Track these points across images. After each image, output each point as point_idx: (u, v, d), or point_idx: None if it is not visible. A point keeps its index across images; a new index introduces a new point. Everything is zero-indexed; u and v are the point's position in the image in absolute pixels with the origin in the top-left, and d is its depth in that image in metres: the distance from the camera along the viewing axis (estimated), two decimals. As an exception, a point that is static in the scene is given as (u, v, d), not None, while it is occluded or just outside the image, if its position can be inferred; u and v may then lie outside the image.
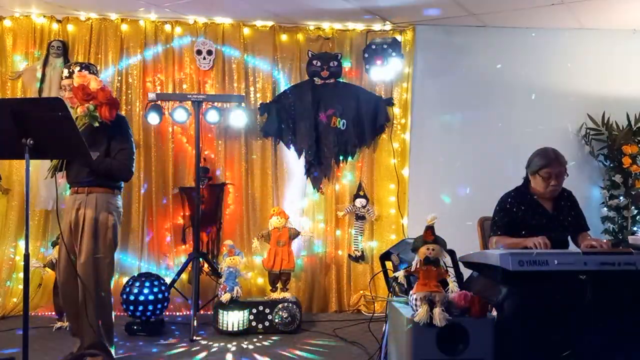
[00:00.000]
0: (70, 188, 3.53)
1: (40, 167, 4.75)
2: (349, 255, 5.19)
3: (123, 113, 4.99)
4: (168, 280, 4.68)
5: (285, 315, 4.44)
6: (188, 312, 4.87)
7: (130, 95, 5.05)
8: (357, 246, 5.16)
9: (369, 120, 5.18)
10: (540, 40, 5.17)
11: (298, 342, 4.26)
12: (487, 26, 5.13)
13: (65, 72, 3.54)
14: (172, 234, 5.08)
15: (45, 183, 4.80)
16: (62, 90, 3.56)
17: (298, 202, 5.22)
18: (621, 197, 5.02)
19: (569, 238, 3.46)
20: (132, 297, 4.31)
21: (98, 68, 4.93)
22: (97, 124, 3.30)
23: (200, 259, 4.69)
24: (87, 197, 3.40)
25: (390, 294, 3.27)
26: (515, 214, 3.36)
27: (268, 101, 5.16)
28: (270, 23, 5.15)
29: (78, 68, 3.51)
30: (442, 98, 5.21)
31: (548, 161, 3.32)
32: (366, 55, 5.07)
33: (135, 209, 5.01)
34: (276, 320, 4.44)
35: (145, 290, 4.33)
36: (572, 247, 3.38)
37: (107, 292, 3.43)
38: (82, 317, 3.37)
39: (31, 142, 2.75)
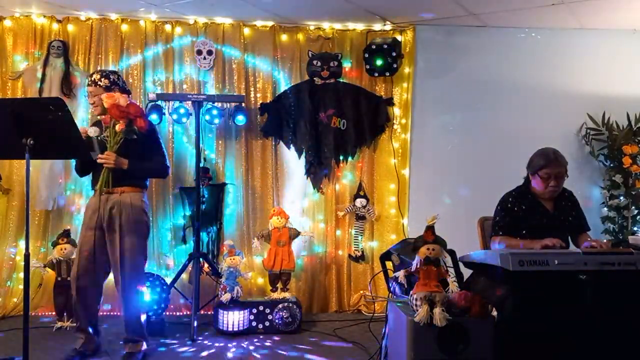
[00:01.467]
0: (95, 189, 3.63)
1: (40, 167, 4.77)
2: (349, 255, 5.19)
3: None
4: (168, 280, 4.68)
5: (285, 315, 4.44)
6: (188, 312, 4.87)
7: (130, 95, 5.03)
8: (357, 246, 5.16)
9: (369, 120, 5.18)
10: (540, 40, 5.17)
11: (298, 342, 4.26)
12: (487, 26, 5.13)
13: (90, 80, 3.68)
14: (172, 234, 5.08)
15: (45, 183, 4.82)
16: (87, 97, 3.79)
17: (298, 202, 5.22)
18: (621, 197, 5.01)
19: (569, 239, 3.47)
20: (132, 297, 4.31)
21: (98, 68, 4.98)
22: (135, 137, 3.55)
23: (201, 259, 4.69)
24: (121, 197, 3.59)
25: (390, 294, 3.28)
26: (516, 213, 3.36)
27: (268, 101, 5.16)
28: (270, 23, 5.15)
29: (99, 75, 3.65)
30: (442, 98, 5.21)
31: (547, 162, 3.32)
32: (366, 55, 5.07)
33: (135, 209, 5.01)
34: (276, 320, 4.44)
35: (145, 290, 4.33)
36: (572, 248, 3.38)
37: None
38: (124, 307, 3.66)
39: (31, 142, 2.76)
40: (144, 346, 3.76)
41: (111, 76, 3.69)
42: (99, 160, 3.50)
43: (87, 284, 3.61)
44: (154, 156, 3.70)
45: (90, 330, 3.71)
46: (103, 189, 3.55)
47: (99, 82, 3.63)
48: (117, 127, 3.51)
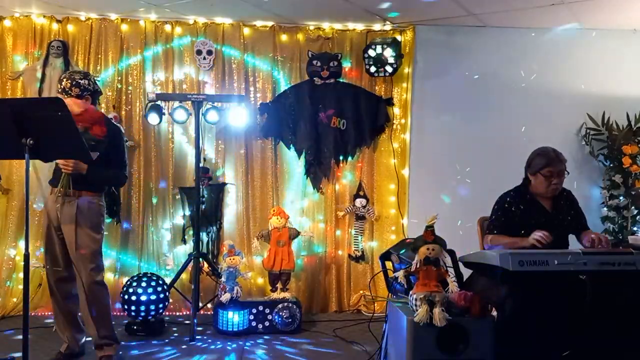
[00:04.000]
0: (55, 188, 3.61)
1: (40, 167, 4.76)
2: (349, 255, 5.19)
3: (123, 113, 5.02)
4: (168, 280, 4.68)
5: (285, 315, 4.44)
6: (188, 312, 4.87)
7: (130, 95, 5.05)
8: (357, 246, 5.16)
9: (369, 120, 5.18)
10: (540, 40, 5.17)
11: (298, 342, 4.26)
12: (487, 26, 5.13)
13: (60, 87, 3.55)
14: (172, 234, 5.08)
15: (45, 183, 4.79)
16: None
17: (298, 202, 5.22)
18: (621, 197, 5.01)
19: (569, 237, 3.47)
20: (132, 297, 4.31)
21: (98, 68, 4.98)
22: (93, 143, 3.46)
23: (200, 259, 4.69)
24: (79, 200, 3.56)
25: (390, 294, 3.28)
26: (513, 213, 3.36)
27: (268, 101, 5.16)
28: (270, 23, 5.15)
29: (69, 83, 3.49)
30: (442, 98, 5.21)
31: (549, 160, 3.32)
32: (366, 55, 5.07)
33: (135, 209, 5.01)
34: (276, 320, 4.44)
35: (146, 290, 4.33)
36: (572, 246, 3.38)
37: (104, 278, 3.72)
38: (85, 310, 3.57)
39: (31, 142, 2.76)
40: (116, 350, 3.68)
41: (81, 82, 3.50)
42: (58, 163, 3.47)
43: (64, 289, 3.63)
44: (113, 165, 3.62)
45: (73, 334, 3.71)
46: (63, 191, 3.52)
47: (70, 92, 3.48)
48: None
